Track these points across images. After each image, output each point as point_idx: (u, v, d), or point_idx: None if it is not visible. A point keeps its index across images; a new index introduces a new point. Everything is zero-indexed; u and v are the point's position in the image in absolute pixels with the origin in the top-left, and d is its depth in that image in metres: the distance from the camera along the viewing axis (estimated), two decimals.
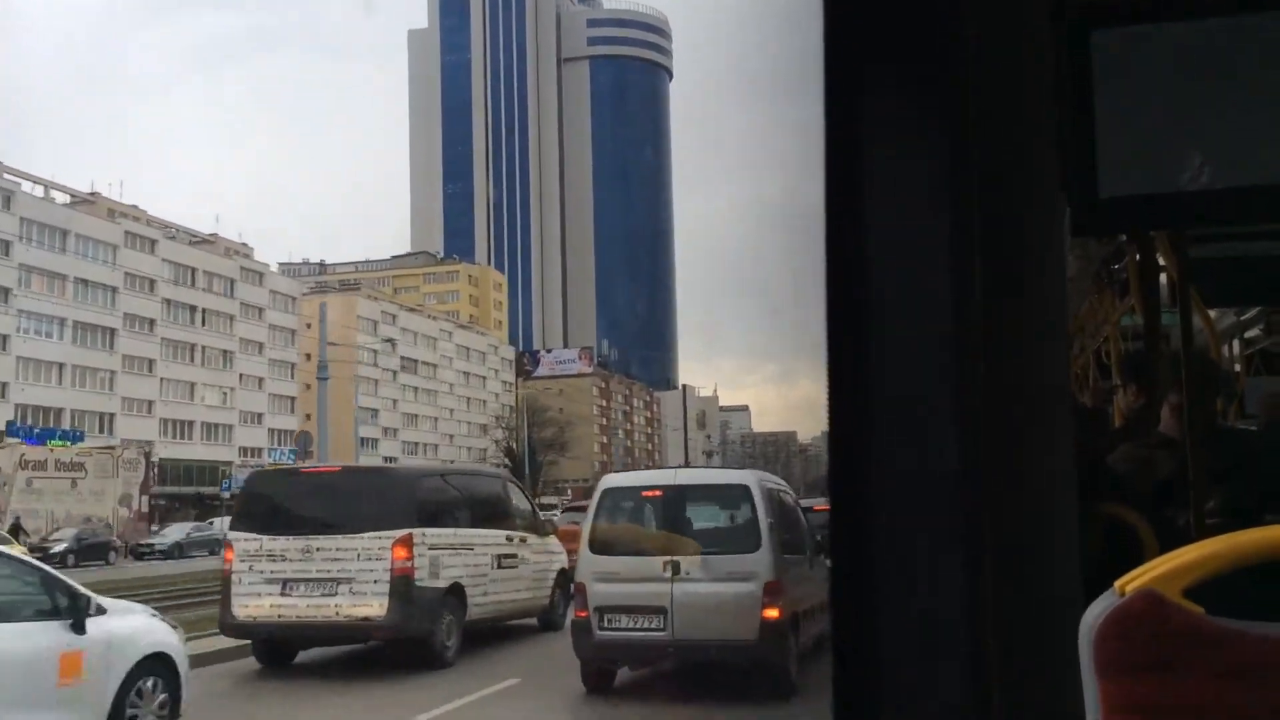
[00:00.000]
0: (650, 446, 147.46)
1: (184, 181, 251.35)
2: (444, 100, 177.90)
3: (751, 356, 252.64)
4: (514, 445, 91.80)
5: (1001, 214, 1.06)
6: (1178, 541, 0.91)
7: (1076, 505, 1.10)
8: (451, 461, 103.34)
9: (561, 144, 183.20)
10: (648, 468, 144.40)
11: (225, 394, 76.14)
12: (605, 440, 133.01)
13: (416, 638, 11.47)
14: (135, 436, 63.57)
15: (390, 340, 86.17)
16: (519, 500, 14.87)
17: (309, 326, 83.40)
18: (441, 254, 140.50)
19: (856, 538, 1.03)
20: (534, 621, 14.35)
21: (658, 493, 10.33)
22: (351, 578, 11.29)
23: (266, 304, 79.86)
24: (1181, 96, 1.18)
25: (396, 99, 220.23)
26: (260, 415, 78.97)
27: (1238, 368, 6.09)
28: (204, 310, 74.85)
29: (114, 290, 67.98)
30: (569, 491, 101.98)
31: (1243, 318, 6.00)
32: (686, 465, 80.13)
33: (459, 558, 12.25)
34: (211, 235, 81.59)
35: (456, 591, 12.08)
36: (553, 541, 14.90)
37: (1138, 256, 3.44)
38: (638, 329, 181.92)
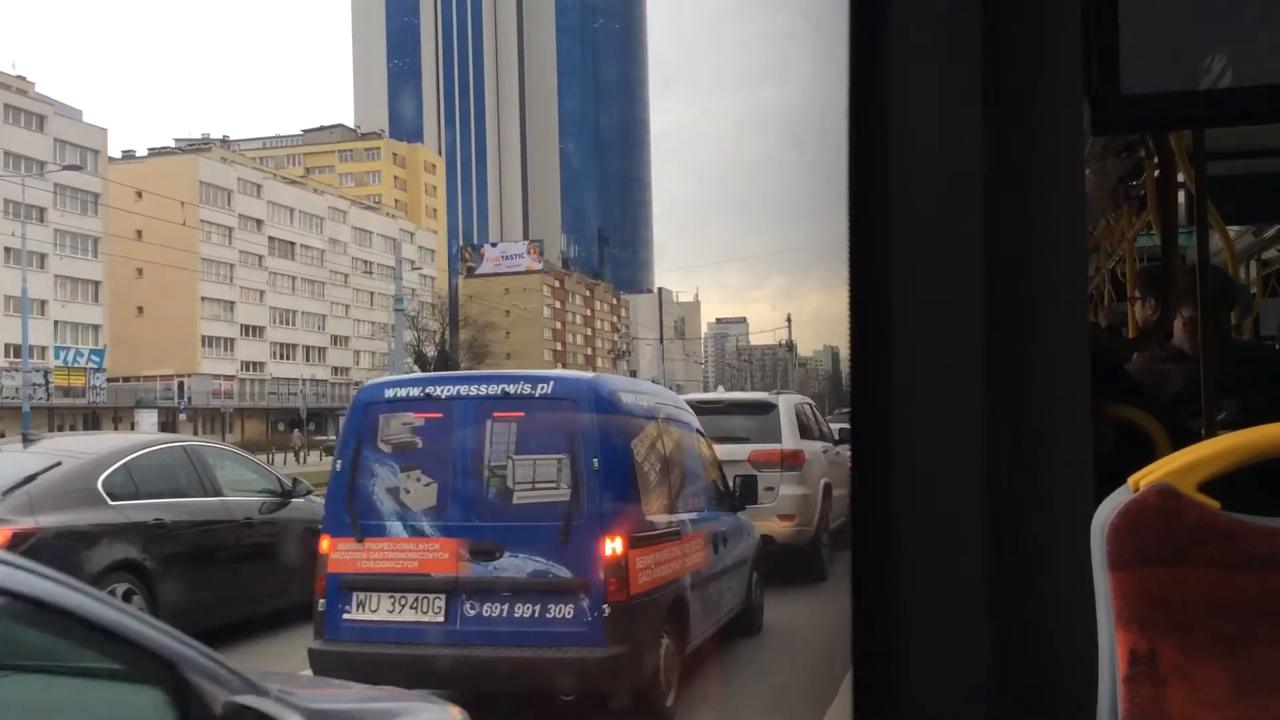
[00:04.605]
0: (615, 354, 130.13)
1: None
2: None
3: (757, 271, 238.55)
4: (425, 351, 73.64)
5: (1026, 114, 1.05)
6: (1188, 445, 0.91)
7: (1089, 407, 1.11)
8: (338, 370, 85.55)
9: (521, 20, 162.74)
10: None
11: None
12: (559, 347, 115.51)
13: None
14: None
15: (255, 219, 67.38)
16: None
17: (139, 196, 64.28)
18: (386, 132, 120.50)
19: (877, 439, 1.04)
20: None
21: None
22: None
23: (50, 156, 60.43)
24: None
25: None
26: (43, 304, 60.33)
27: (1254, 289, 6.18)
28: None
29: None
30: None
31: (1261, 237, 5.94)
32: (662, 377, 64.25)
33: None
34: None
35: None
36: None
37: (1156, 172, 3.47)
38: (608, 227, 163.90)
